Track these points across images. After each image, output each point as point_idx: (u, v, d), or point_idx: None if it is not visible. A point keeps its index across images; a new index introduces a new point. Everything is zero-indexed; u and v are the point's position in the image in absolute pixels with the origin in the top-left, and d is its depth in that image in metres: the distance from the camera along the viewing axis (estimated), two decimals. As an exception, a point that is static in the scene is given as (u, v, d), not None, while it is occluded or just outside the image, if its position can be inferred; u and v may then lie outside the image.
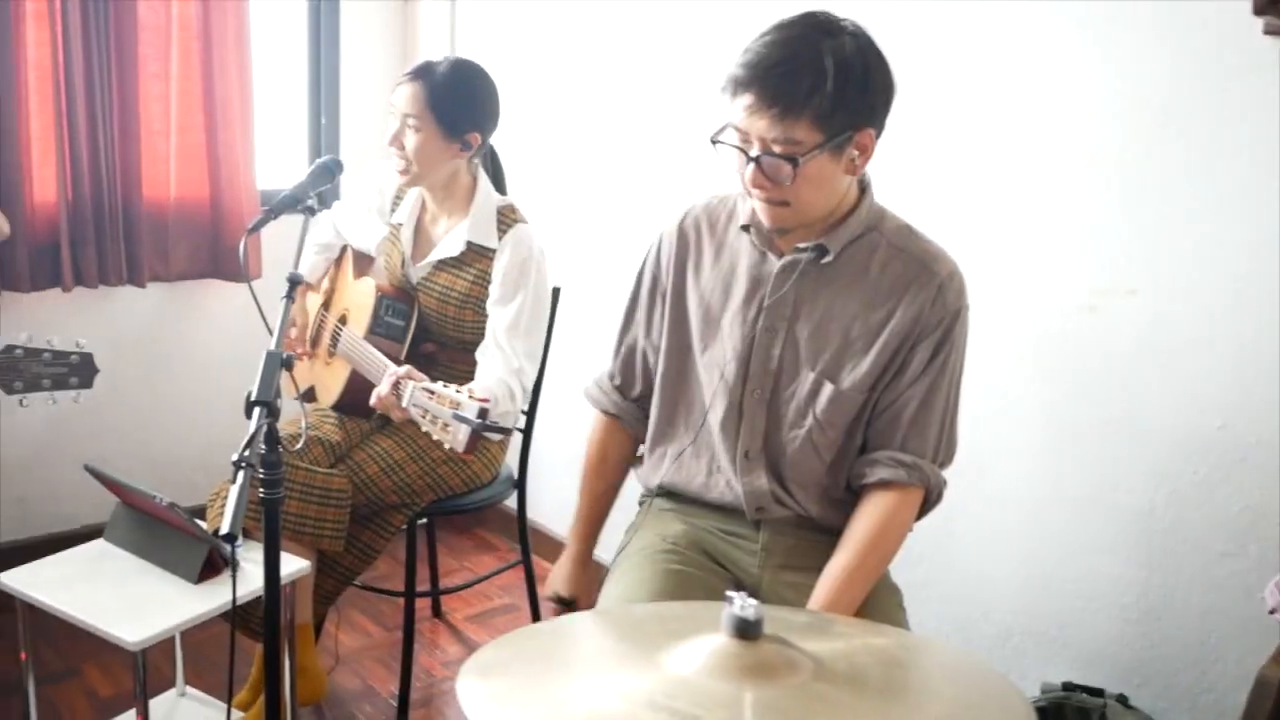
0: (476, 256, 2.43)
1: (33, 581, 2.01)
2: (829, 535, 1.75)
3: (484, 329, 2.42)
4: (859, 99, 1.57)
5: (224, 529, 1.47)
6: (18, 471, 3.09)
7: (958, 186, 2.30)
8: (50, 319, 2.95)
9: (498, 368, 2.32)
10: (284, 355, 1.70)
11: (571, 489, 3.24)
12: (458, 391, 1.78)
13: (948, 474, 1.77)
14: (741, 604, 1.12)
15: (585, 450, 1.98)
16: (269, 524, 1.70)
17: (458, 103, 2.34)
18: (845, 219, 1.70)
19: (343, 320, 2.55)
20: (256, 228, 2.01)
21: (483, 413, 1.72)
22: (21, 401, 2.12)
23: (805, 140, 1.55)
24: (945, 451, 1.76)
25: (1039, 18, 2.13)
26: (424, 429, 1.83)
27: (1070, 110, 2.11)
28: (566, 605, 1.94)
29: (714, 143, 1.64)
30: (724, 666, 1.08)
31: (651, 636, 1.21)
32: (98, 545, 2.18)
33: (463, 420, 1.74)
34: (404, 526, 2.46)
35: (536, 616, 2.83)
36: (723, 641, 1.11)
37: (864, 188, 1.73)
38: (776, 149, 1.56)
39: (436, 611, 3.12)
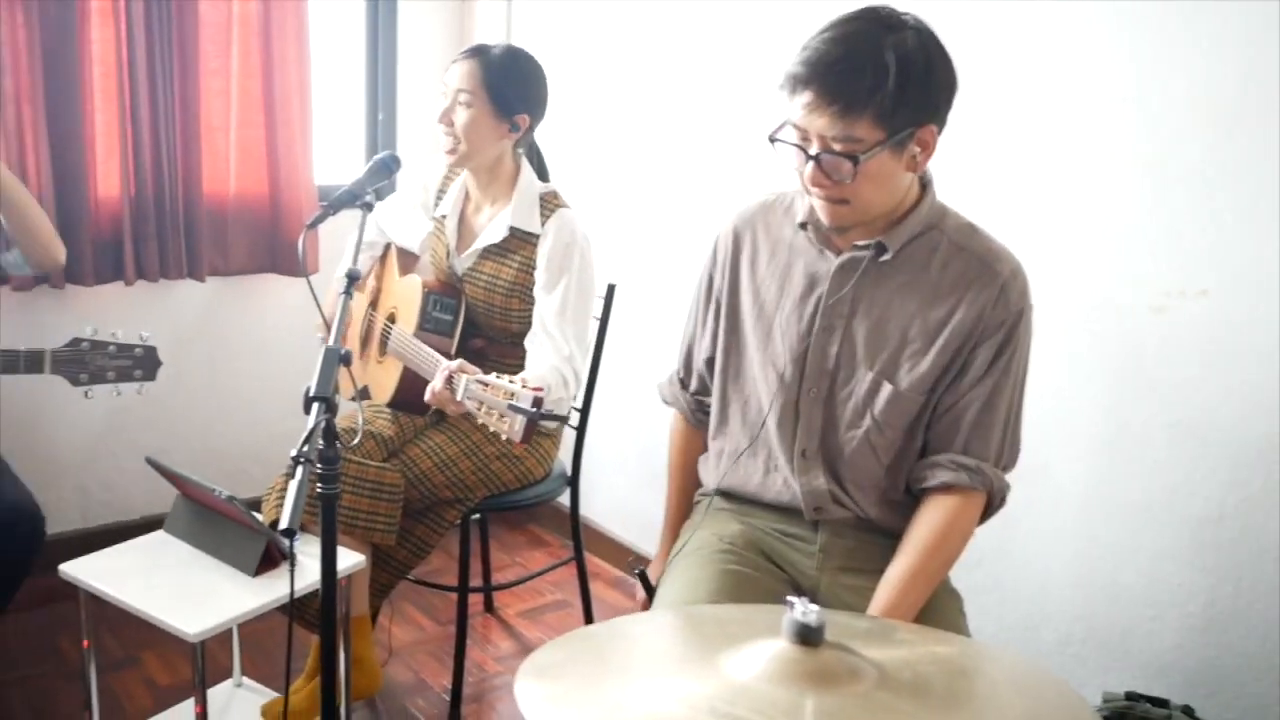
0: (520, 243, 2.43)
1: (94, 572, 2.04)
2: (888, 538, 1.73)
3: (530, 317, 2.42)
4: (921, 95, 1.54)
5: (283, 524, 1.47)
6: (78, 462, 3.14)
7: (1022, 183, 2.26)
8: (112, 312, 3.00)
9: (549, 355, 2.32)
10: (342, 351, 1.70)
11: (624, 486, 3.26)
12: (511, 381, 1.78)
13: (1009, 477, 1.73)
14: (803, 609, 1.10)
15: (668, 451, 2.01)
16: (326, 519, 1.71)
17: (511, 82, 2.37)
18: (906, 216, 1.68)
19: (391, 318, 2.56)
20: (315, 223, 2.01)
21: (537, 401, 1.72)
22: (87, 393, 2.16)
23: (866, 138, 1.53)
24: (1008, 454, 1.73)
25: (1112, 16, 2.09)
26: (480, 421, 1.83)
27: (1143, 108, 2.06)
28: (649, 593, 1.92)
29: (772, 141, 1.62)
30: (785, 673, 1.06)
31: (710, 639, 1.20)
32: (158, 536, 2.20)
33: (518, 410, 1.73)
34: (457, 522, 2.46)
35: (589, 613, 2.82)
36: (783, 647, 1.09)
37: (925, 185, 1.70)
38: (836, 147, 1.54)
39: (489, 606, 3.12)
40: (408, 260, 2.69)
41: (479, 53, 2.37)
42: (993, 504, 1.72)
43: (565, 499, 2.73)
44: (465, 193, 2.56)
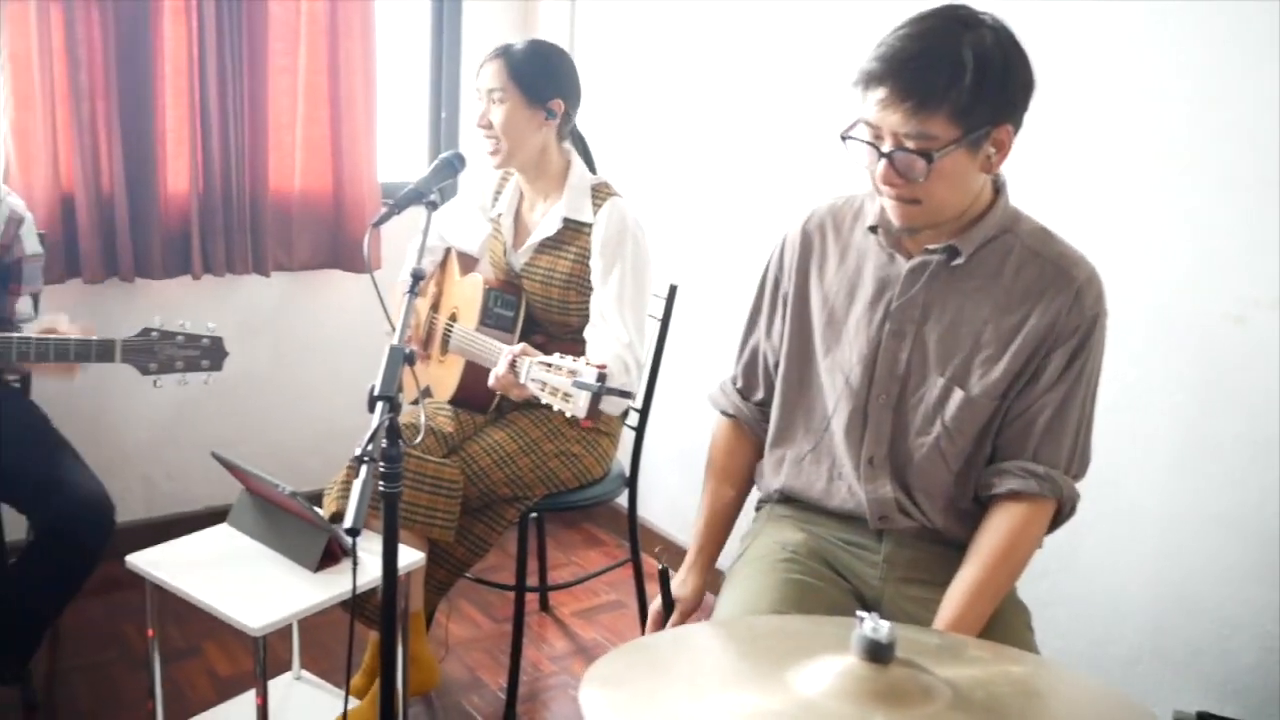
0: (574, 234, 2.44)
1: (160, 563, 2.06)
2: (954, 548, 1.69)
3: (589, 310, 2.42)
4: (998, 93, 1.51)
5: (347, 523, 1.48)
6: (143, 452, 3.19)
7: (1095, 188, 2.20)
8: (179, 305, 3.04)
9: (609, 343, 2.32)
10: (407, 350, 1.71)
11: (681, 488, 3.24)
12: (575, 360, 1.78)
13: (1079, 487, 1.69)
14: (873, 625, 1.07)
15: (707, 456, 1.95)
16: (388, 517, 1.71)
17: (537, 69, 2.39)
18: (979, 220, 1.64)
19: (453, 318, 2.58)
20: (381, 222, 2.02)
21: (601, 376, 1.71)
22: (155, 382, 2.18)
23: (940, 135, 1.50)
24: (1079, 463, 1.68)
25: (1187, 18, 2.03)
26: (544, 401, 1.82)
27: (1220, 113, 2.00)
28: (668, 608, 1.87)
29: (844, 139, 1.59)
30: (854, 690, 1.04)
31: (775, 653, 1.18)
32: (221, 530, 2.22)
33: (582, 386, 1.73)
34: (516, 521, 2.46)
35: (644, 616, 2.80)
36: (852, 663, 1.07)
37: (999, 188, 1.67)
38: (910, 144, 1.51)
39: (544, 605, 3.12)
40: (468, 264, 2.71)
41: (503, 51, 2.40)
42: (1062, 512, 1.68)
43: (623, 499, 2.72)
44: (519, 191, 2.58)
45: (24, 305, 2.42)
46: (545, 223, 2.47)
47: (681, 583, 1.88)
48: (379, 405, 1.63)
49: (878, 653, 1.06)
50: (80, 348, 2.15)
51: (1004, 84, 1.51)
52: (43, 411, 2.49)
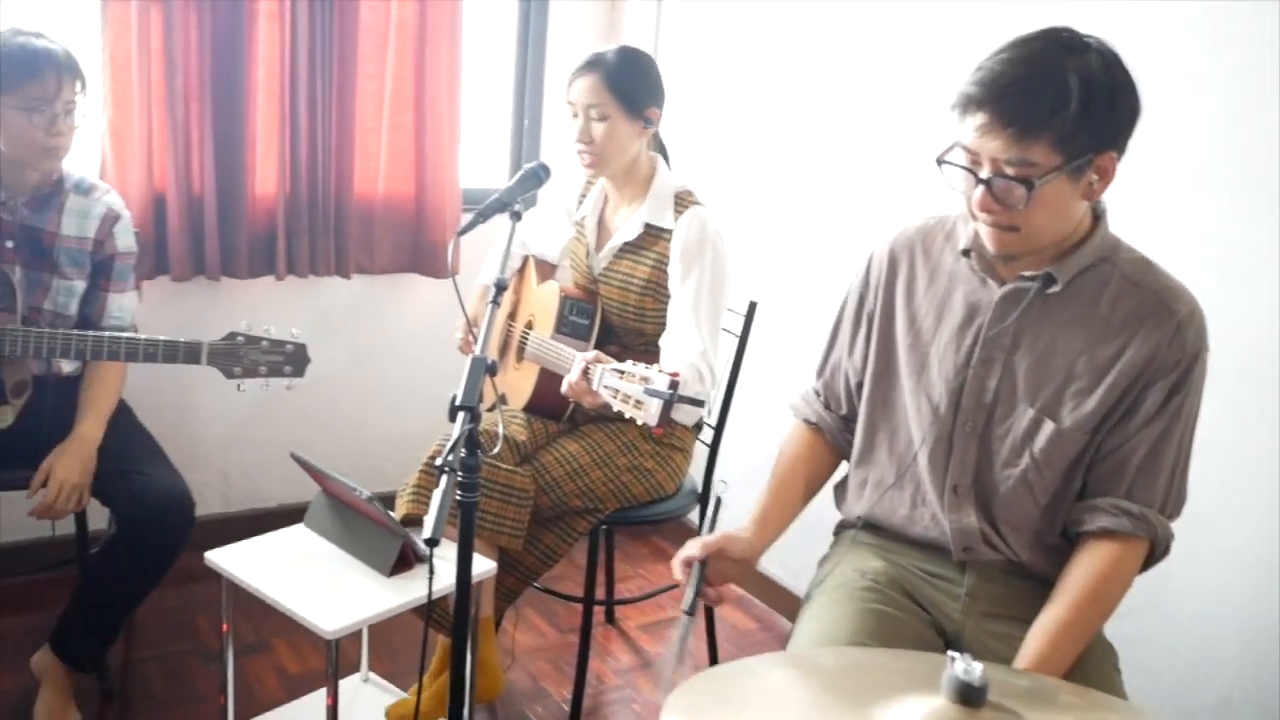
0: (654, 239, 2.43)
1: (238, 561, 2.09)
2: (1039, 584, 1.65)
3: (664, 318, 2.41)
4: (1103, 120, 1.46)
5: (426, 533, 1.48)
6: (221, 449, 3.24)
7: (1193, 219, 2.13)
8: (262, 305, 3.09)
9: (684, 351, 2.30)
10: (489, 361, 1.70)
11: (751, 503, 3.20)
12: (648, 369, 1.77)
13: (1173, 526, 1.63)
14: (965, 666, 1.04)
15: (776, 461, 1.88)
16: (464, 526, 1.71)
17: (634, 80, 2.38)
18: (1077, 247, 1.60)
19: (528, 326, 2.59)
20: (465, 230, 2.03)
21: (674, 384, 1.70)
22: (239, 386, 2.22)
23: (1042, 162, 1.46)
24: (1174, 503, 1.63)
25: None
26: (615, 408, 1.81)
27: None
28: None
29: (940, 163, 1.56)
30: (943, 734, 1.01)
31: (859, 688, 1.15)
32: (296, 530, 2.24)
33: (654, 394, 1.71)
34: (586, 533, 2.45)
35: (711, 634, 2.78)
36: (942, 705, 1.04)
37: (1099, 215, 1.62)
38: (1010, 171, 1.47)
39: (610, 617, 3.11)
40: (545, 272, 2.72)
41: (597, 64, 2.38)
42: (1155, 553, 1.62)
43: (693, 515, 2.69)
44: (604, 195, 2.58)
45: (125, 302, 2.46)
46: (627, 227, 2.47)
47: (730, 537, 1.74)
48: (460, 415, 1.63)
49: (969, 696, 1.03)
50: (168, 350, 2.19)
51: (1110, 111, 1.47)
52: (128, 405, 2.54)
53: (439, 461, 1.55)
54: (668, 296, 2.42)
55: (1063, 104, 1.43)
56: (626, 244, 2.47)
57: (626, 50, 2.42)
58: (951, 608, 1.69)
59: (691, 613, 1.66)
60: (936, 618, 1.70)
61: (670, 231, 2.41)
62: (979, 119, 1.47)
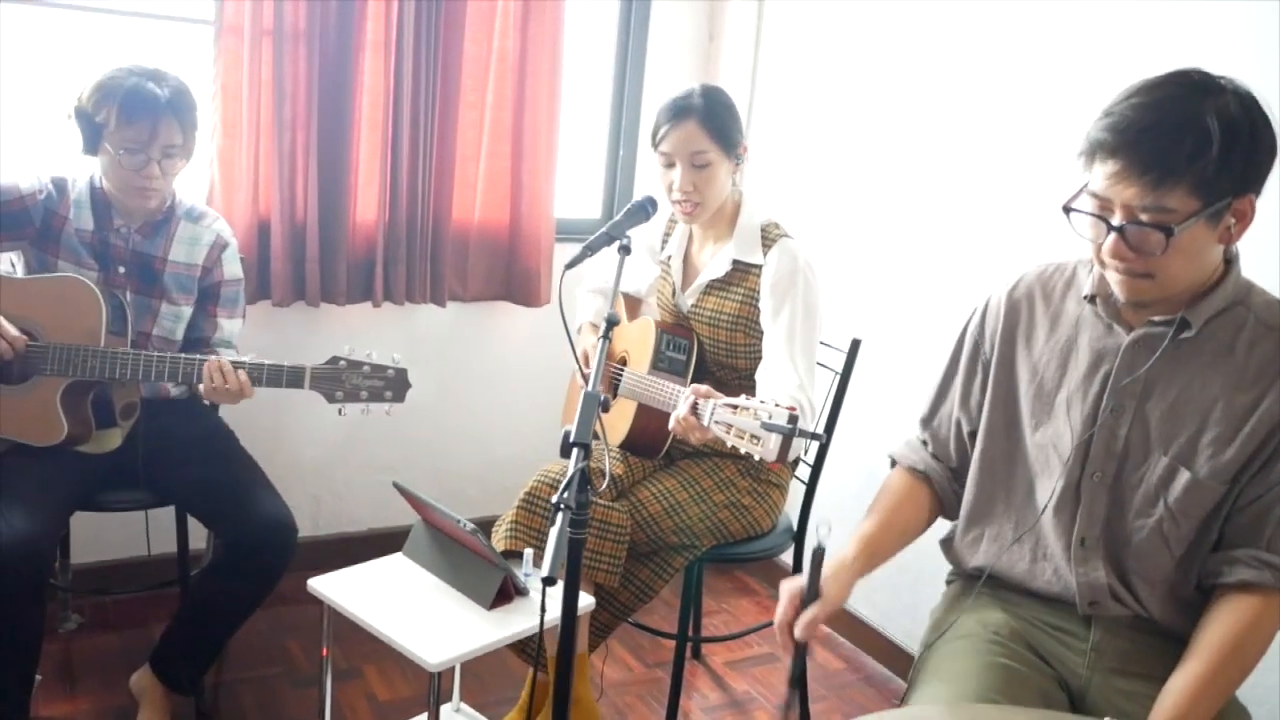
0: (743, 275, 2.41)
1: (339, 589, 2.10)
2: (1168, 640, 1.59)
3: (757, 352, 2.38)
4: (1244, 163, 1.42)
5: (544, 572, 1.45)
6: (314, 473, 3.28)
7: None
8: (359, 331, 3.12)
9: (781, 385, 2.26)
10: (602, 398, 1.69)
11: (844, 543, 3.15)
12: (763, 402, 1.74)
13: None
14: (1122, 735, 1.00)
15: (879, 496, 1.81)
16: (571, 563, 1.70)
17: (728, 120, 2.36)
18: (1209, 291, 1.55)
19: (622, 361, 2.56)
20: (575, 263, 2.01)
21: (793, 419, 1.67)
22: (340, 410, 2.23)
23: (1179, 209, 1.41)
24: None
25: None
26: (730, 444, 1.79)
27: None
28: (812, 594, 1.63)
29: (1067, 211, 1.51)
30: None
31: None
32: (396, 559, 2.25)
33: (773, 429, 1.68)
34: (682, 569, 2.43)
35: (803, 677, 2.73)
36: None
37: (1230, 258, 1.57)
38: (1144, 217, 1.43)
39: (696, 653, 3.07)
40: (632, 306, 2.71)
41: (689, 110, 2.32)
42: None
43: (786, 554, 2.65)
44: (690, 233, 2.56)
45: (232, 327, 2.51)
46: (714, 264, 2.45)
47: (832, 577, 1.63)
48: (575, 452, 1.62)
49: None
50: (273, 373, 2.21)
51: (1251, 153, 1.43)
52: (230, 430, 2.57)
53: (554, 499, 1.53)
54: (758, 331, 2.39)
55: (1203, 149, 1.39)
56: (714, 281, 2.45)
57: (709, 90, 2.37)
58: (1076, 663, 1.64)
59: (797, 685, 1.59)
60: (1061, 673, 1.65)
61: (759, 267, 2.38)
62: (1111, 166, 1.43)
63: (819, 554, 1.58)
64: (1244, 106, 1.43)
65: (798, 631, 1.58)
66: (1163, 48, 2.30)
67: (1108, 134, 1.44)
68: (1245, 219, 1.47)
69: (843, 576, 1.64)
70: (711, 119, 2.32)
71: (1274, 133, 1.45)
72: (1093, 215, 1.49)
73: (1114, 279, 1.53)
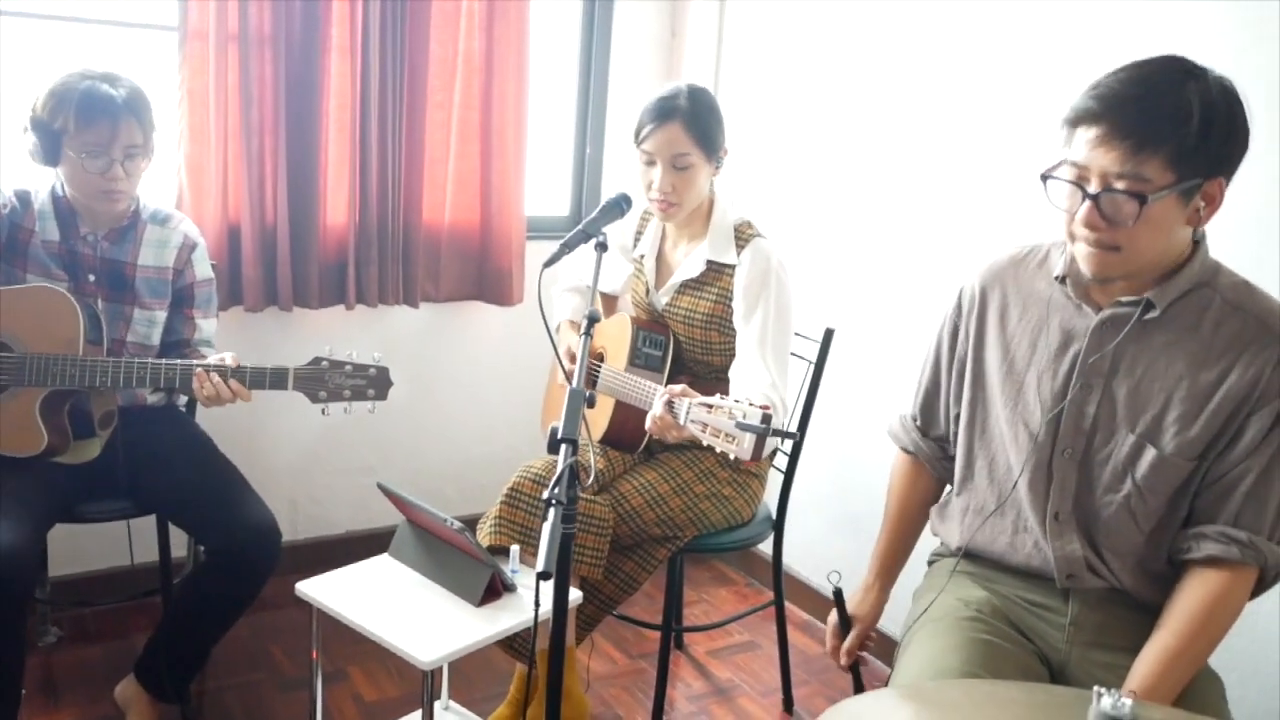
0: (716, 275, 2.44)
1: (328, 591, 2.11)
2: (1143, 612, 1.65)
3: (732, 349, 2.42)
4: (1220, 145, 1.47)
5: (539, 567, 1.48)
6: (290, 477, 3.27)
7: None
8: (331, 333, 3.12)
9: (755, 384, 2.30)
10: (586, 394, 1.71)
11: (822, 532, 3.21)
12: (737, 401, 1.77)
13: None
14: (1112, 701, 1.04)
15: (888, 488, 1.99)
16: (561, 557, 1.72)
17: (711, 123, 2.38)
18: (1176, 272, 1.60)
19: (599, 358, 2.59)
20: (552, 261, 2.03)
21: (766, 418, 1.72)
22: (324, 410, 2.24)
23: (1155, 179, 1.46)
24: None
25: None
26: (705, 443, 1.83)
27: None
28: (845, 625, 1.94)
29: (1045, 179, 1.56)
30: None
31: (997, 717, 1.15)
32: (382, 560, 2.26)
33: (748, 428, 1.73)
34: (665, 560, 2.46)
35: (785, 659, 2.78)
36: (1091, 739, 1.04)
37: (1198, 240, 1.62)
38: (1120, 185, 1.47)
39: (679, 643, 3.11)
40: (608, 303, 2.73)
41: (673, 111, 2.34)
42: (1265, 580, 1.61)
43: (765, 543, 2.69)
44: (662, 231, 2.58)
45: (209, 327, 2.51)
46: (688, 264, 2.48)
47: (860, 601, 1.95)
48: (563, 448, 1.64)
49: (1119, 731, 1.03)
50: (256, 375, 2.22)
51: (1227, 136, 1.48)
52: (208, 437, 2.57)
53: (546, 495, 1.56)
54: (733, 330, 2.42)
55: (1184, 120, 1.44)
56: (688, 281, 2.48)
57: (695, 91, 2.39)
58: (1055, 637, 1.69)
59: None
60: (1041, 647, 1.70)
61: (732, 267, 2.42)
62: (1094, 131, 1.48)
63: (838, 594, 1.92)
64: (1224, 91, 1.48)
65: (842, 659, 1.94)
66: (1135, 38, 2.35)
67: (1093, 102, 1.49)
68: (1214, 203, 1.52)
69: (868, 600, 1.95)
70: (696, 122, 2.34)
71: (1247, 123, 1.50)
72: (1070, 183, 1.52)
73: (1081, 253, 1.57)
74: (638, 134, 2.39)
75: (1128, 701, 1.04)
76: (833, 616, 1.94)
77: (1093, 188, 1.49)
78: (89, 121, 2.19)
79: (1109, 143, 1.46)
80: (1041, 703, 1.19)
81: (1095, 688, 1.05)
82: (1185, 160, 1.44)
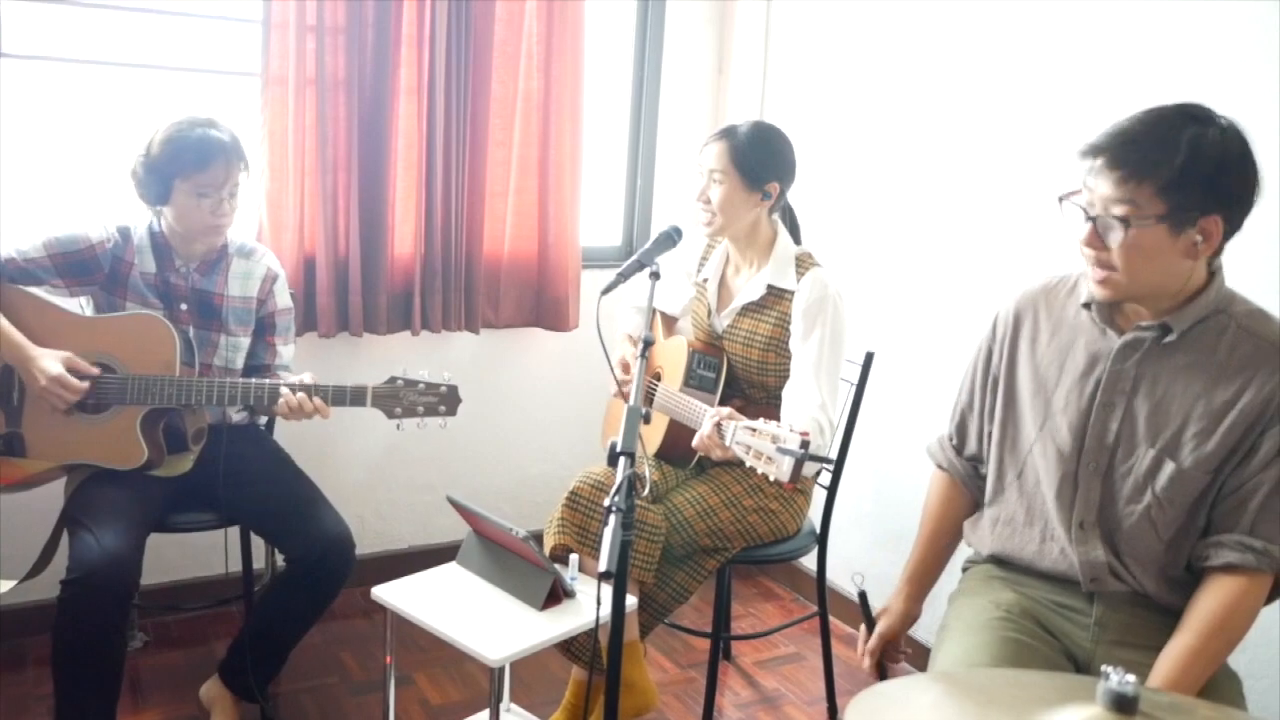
0: (776, 299, 2.59)
1: (401, 596, 2.27)
2: (1165, 615, 1.76)
3: (786, 371, 2.57)
4: (1208, 182, 1.61)
5: (601, 567, 1.63)
6: (358, 494, 3.45)
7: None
8: (399, 359, 3.28)
9: (805, 404, 2.45)
10: (644, 411, 1.87)
11: (862, 546, 3.32)
12: (778, 427, 1.92)
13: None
14: (1118, 679, 1.17)
15: (924, 504, 2.09)
16: (620, 560, 1.86)
17: (758, 155, 2.55)
18: (1191, 300, 1.72)
19: (656, 377, 2.75)
20: (609, 289, 2.21)
21: (804, 444, 1.86)
22: (399, 426, 2.42)
23: (1145, 207, 1.61)
24: None
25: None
26: (748, 464, 1.97)
27: None
28: (869, 625, 2.04)
29: (1061, 200, 1.72)
30: (1103, 738, 1.13)
31: (1016, 700, 1.28)
32: (450, 568, 2.42)
33: (786, 452, 1.87)
34: (715, 571, 2.60)
35: (829, 670, 2.90)
36: (1098, 713, 1.16)
37: (1214, 271, 1.75)
38: (1116, 211, 1.63)
39: (726, 654, 3.24)
40: (668, 324, 2.89)
41: (728, 134, 2.56)
42: None
43: (808, 557, 2.82)
44: (726, 257, 2.74)
45: (288, 352, 2.70)
46: (749, 288, 2.63)
47: (887, 605, 2.06)
48: (622, 460, 1.79)
49: (1124, 705, 1.15)
50: (338, 393, 2.40)
51: (1216, 175, 1.61)
52: (287, 454, 2.75)
53: (607, 503, 1.70)
54: (788, 352, 2.57)
55: (1167, 159, 1.60)
56: (749, 304, 2.63)
57: (760, 126, 2.59)
58: (1081, 637, 1.81)
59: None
60: (1068, 646, 1.82)
61: (792, 292, 2.57)
62: (1097, 162, 1.65)
63: (862, 596, 2.03)
64: (1224, 138, 1.62)
65: (865, 661, 2.04)
66: (1175, 60, 2.46)
67: (1102, 138, 1.67)
68: (1211, 240, 1.65)
69: (895, 604, 2.06)
70: (740, 148, 2.54)
71: (1252, 171, 1.63)
72: (1078, 205, 1.70)
73: (1088, 274, 1.73)
74: (699, 150, 2.60)
75: (1132, 678, 1.16)
76: (864, 631, 2.04)
77: (1093, 211, 1.66)
78: (205, 164, 2.40)
79: (1106, 172, 1.63)
80: (1059, 686, 1.31)
81: (1104, 667, 1.18)
82: (1173, 192, 1.60)
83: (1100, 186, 1.64)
